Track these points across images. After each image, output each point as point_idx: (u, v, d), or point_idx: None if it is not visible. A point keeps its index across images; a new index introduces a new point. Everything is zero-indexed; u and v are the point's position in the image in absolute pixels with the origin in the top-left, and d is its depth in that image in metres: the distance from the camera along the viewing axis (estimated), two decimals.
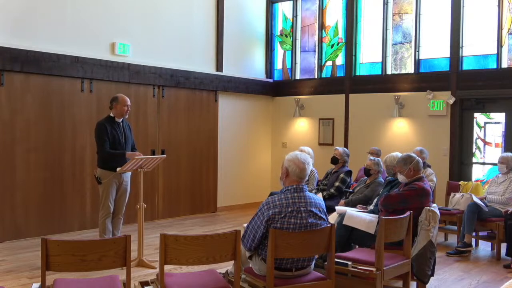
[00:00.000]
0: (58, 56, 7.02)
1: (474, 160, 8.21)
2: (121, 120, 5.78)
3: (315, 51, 9.97)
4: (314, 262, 3.89)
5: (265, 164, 10.41)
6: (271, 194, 4.19)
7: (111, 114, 5.76)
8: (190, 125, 8.84)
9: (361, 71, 9.38)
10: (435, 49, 8.52)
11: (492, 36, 7.93)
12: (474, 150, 8.21)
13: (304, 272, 3.76)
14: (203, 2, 9.11)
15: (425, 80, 8.49)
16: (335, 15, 9.69)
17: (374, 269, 4.05)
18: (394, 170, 5.28)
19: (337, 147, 7.09)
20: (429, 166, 7.16)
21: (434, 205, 4.79)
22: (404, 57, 8.89)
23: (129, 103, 5.78)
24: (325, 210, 3.80)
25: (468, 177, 8.06)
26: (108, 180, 5.64)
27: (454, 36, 8.21)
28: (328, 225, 3.72)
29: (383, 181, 5.90)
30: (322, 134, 9.72)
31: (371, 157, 6.37)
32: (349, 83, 9.38)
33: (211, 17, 9.27)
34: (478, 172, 8.17)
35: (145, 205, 5.61)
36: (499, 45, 7.86)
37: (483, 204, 6.22)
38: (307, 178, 3.80)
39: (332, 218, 5.25)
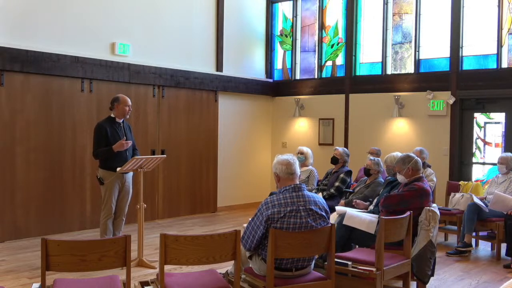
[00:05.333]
0: (58, 56, 7.02)
1: (474, 160, 8.21)
2: (121, 120, 5.78)
3: (315, 51, 9.97)
4: (314, 262, 3.90)
5: (265, 164, 10.41)
6: (271, 194, 4.18)
7: (112, 115, 5.75)
8: (190, 125, 8.84)
9: (361, 71, 9.38)
10: (435, 49, 8.52)
11: (492, 36, 7.93)
12: (474, 150, 8.21)
13: (304, 272, 3.76)
14: (203, 2, 9.11)
15: (425, 80, 8.49)
16: (335, 15, 9.69)
17: (374, 269, 4.05)
18: (394, 170, 5.28)
19: (337, 147, 7.09)
20: (429, 166, 7.16)
21: (434, 205, 4.79)
22: (404, 57, 8.89)
23: (130, 103, 5.77)
24: (327, 208, 3.80)
25: (468, 177, 8.07)
26: (111, 181, 5.62)
27: (454, 36, 8.21)
28: (329, 224, 3.73)
29: (383, 181, 5.91)
30: (322, 134, 9.72)
31: (371, 157, 6.37)
32: (349, 83, 9.38)
33: (211, 17, 9.27)
34: (478, 172, 8.17)
35: (145, 205, 5.60)
36: (499, 45, 7.86)
37: (483, 205, 6.22)
38: (299, 173, 3.80)
39: (332, 218, 5.24)
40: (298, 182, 3.75)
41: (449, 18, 8.27)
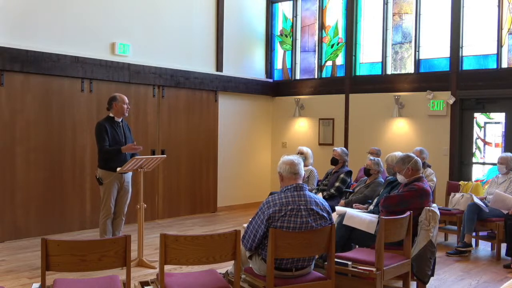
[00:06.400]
0: (58, 56, 7.02)
1: (474, 160, 8.21)
2: (120, 120, 5.78)
3: (315, 51, 9.97)
4: (314, 262, 3.90)
5: (265, 164, 10.42)
6: (271, 194, 4.19)
7: (111, 114, 5.75)
8: (190, 125, 8.84)
9: (361, 71, 9.38)
10: (435, 49, 8.52)
11: (492, 36, 7.93)
12: (474, 150, 8.21)
13: (304, 272, 3.77)
14: (203, 2, 9.11)
15: (425, 80, 8.49)
16: (335, 15, 9.69)
17: (374, 269, 4.05)
18: (394, 170, 5.28)
19: (335, 148, 7.07)
20: (429, 166, 7.16)
21: (434, 205, 4.79)
22: (404, 57, 8.89)
23: (127, 101, 5.78)
24: (329, 209, 3.80)
25: (468, 177, 8.07)
26: (110, 181, 5.62)
27: (454, 36, 8.21)
28: (330, 224, 3.72)
29: (383, 181, 5.91)
30: (322, 134, 9.73)
31: (371, 157, 6.37)
32: (349, 83, 9.38)
33: (211, 17, 9.27)
34: (478, 172, 8.17)
35: (145, 205, 5.60)
36: (499, 45, 7.86)
37: (483, 205, 6.22)
38: (302, 173, 3.82)
39: (332, 218, 5.24)
40: (301, 182, 3.75)
41: (449, 18, 8.27)
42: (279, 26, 10.43)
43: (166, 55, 8.48)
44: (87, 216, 7.44)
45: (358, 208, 5.63)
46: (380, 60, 9.07)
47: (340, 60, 9.62)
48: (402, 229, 4.30)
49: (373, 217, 4.91)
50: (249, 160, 10.08)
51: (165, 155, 6.08)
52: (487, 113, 8.13)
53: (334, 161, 6.91)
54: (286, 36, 10.27)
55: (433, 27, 8.54)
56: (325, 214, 3.72)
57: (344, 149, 7.04)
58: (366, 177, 6.31)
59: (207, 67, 9.18)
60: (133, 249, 4.80)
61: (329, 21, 9.79)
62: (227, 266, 4.61)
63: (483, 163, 8.14)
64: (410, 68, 8.78)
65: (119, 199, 5.77)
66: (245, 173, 9.97)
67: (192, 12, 8.93)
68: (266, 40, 10.43)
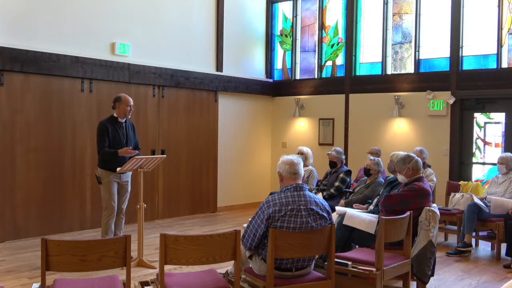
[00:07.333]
0: (58, 56, 7.02)
1: (474, 160, 8.21)
2: (124, 120, 5.78)
3: (315, 51, 9.97)
4: (314, 262, 3.90)
5: (265, 164, 10.41)
6: (271, 194, 4.19)
7: (114, 114, 5.76)
8: (190, 125, 8.84)
9: (361, 71, 9.38)
10: (435, 49, 8.52)
11: (492, 36, 7.93)
12: (474, 150, 8.21)
13: (304, 272, 3.77)
14: (203, 2, 9.11)
15: (425, 80, 8.49)
16: (335, 15, 9.69)
17: (374, 269, 4.05)
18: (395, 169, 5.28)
19: (329, 152, 7.03)
20: (429, 166, 7.16)
21: (434, 205, 4.79)
22: (404, 57, 8.89)
23: (132, 103, 5.78)
24: (328, 209, 3.80)
25: (468, 177, 8.06)
26: (109, 180, 5.63)
27: (454, 36, 8.21)
28: (330, 224, 3.72)
29: (383, 181, 5.91)
30: (322, 134, 9.72)
31: (371, 157, 6.37)
32: (349, 83, 9.38)
33: (211, 17, 9.27)
34: (478, 172, 8.16)
35: (145, 205, 5.61)
36: (499, 45, 7.85)
37: (483, 205, 6.22)
38: (302, 173, 3.82)
39: (332, 218, 5.24)
40: (300, 182, 3.75)
41: (449, 18, 8.27)
42: (279, 26, 10.43)
43: (166, 55, 8.48)
44: (87, 216, 7.44)
45: (358, 208, 5.63)
46: (380, 60, 9.07)
47: (340, 60, 9.62)
48: (402, 229, 4.30)
49: (373, 217, 4.91)
50: (249, 160, 10.08)
51: (165, 155, 6.08)
52: (487, 113, 8.13)
53: (332, 165, 6.91)
54: (286, 36, 10.27)
55: (433, 27, 8.54)
56: (325, 214, 3.72)
57: (337, 148, 7.02)
58: (366, 177, 6.31)
59: (207, 67, 9.18)
60: (133, 249, 4.80)
61: (329, 21, 9.79)
62: (227, 266, 4.62)
63: (483, 163, 8.14)
64: (410, 68, 8.78)
65: (119, 198, 5.78)
66: (245, 173, 9.97)
67: (192, 12, 8.93)
68: (266, 40, 10.43)
